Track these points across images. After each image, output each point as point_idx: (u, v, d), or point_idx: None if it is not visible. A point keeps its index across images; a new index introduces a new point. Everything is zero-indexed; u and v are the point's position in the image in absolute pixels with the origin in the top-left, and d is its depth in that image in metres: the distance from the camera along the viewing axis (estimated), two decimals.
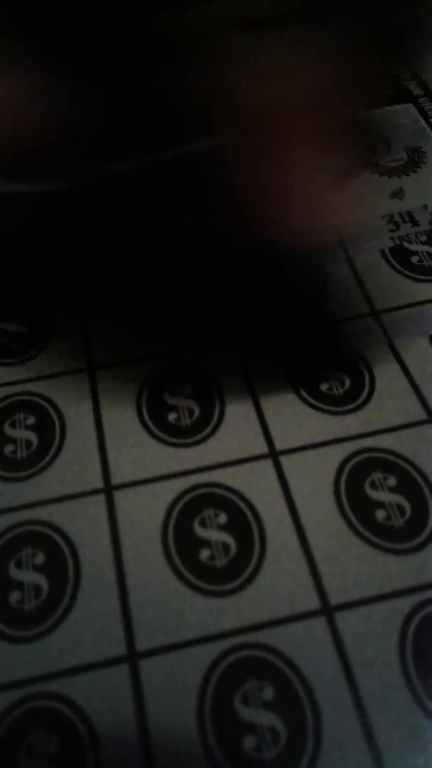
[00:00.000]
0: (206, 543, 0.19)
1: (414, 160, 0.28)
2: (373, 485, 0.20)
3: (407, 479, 0.20)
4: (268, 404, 0.21)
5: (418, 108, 0.30)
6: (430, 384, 0.22)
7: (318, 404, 0.21)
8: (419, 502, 0.20)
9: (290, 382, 0.22)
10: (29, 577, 0.19)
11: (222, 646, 0.18)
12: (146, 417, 0.22)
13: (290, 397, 0.22)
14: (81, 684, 0.17)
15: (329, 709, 0.17)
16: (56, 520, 0.20)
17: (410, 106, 0.30)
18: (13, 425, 0.21)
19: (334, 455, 0.21)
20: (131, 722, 0.17)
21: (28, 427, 0.21)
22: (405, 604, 0.18)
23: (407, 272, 0.24)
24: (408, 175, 0.27)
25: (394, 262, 0.25)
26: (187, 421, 0.21)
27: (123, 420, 0.21)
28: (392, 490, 0.20)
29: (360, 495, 0.20)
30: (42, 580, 0.19)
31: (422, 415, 0.21)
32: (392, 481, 0.20)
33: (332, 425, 0.21)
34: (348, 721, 0.17)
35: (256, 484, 0.20)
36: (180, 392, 0.22)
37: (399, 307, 0.23)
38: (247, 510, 0.20)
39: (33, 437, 0.21)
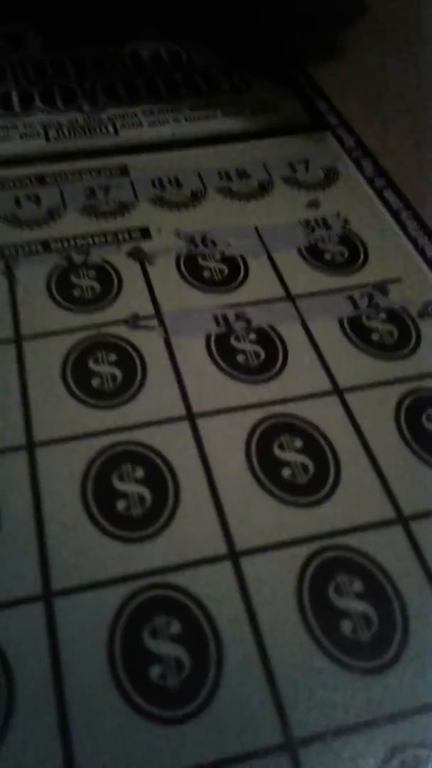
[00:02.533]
0: (124, 495, 0.20)
1: (329, 177, 0.31)
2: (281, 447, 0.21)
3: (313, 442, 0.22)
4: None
5: (334, 135, 0.33)
6: (335, 360, 0.24)
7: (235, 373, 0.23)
8: (322, 463, 0.21)
9: (210, 357, 0.24)
10: None
11: (133, 586, 0.18)
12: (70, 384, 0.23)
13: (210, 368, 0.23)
14: None
15: (231, 641, 0.18)
16: None
17: (328, 133, 0.33)
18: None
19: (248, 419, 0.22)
20: (44, 658, 0.17)
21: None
22: (303, 550, 0.19)
23: (321, 266, 0.27)
24: (323, 189, 0.30)
25: (309, 258, 0.27)
26: (110, 386, 0.23)
27: None
28: (298, 451, 0.21)
29: (269, 455, 0.21)
30: None
31: (328, 386, 0.23)
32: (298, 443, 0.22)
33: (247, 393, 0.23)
34: (248, 652, 0.17)
35: (174, 444, 0.21)
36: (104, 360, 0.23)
37: (312, 293, 0.26)
38: (163, 466, 0.21)
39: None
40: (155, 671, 0.17)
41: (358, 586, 0.19)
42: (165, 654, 0.17)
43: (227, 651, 0.17)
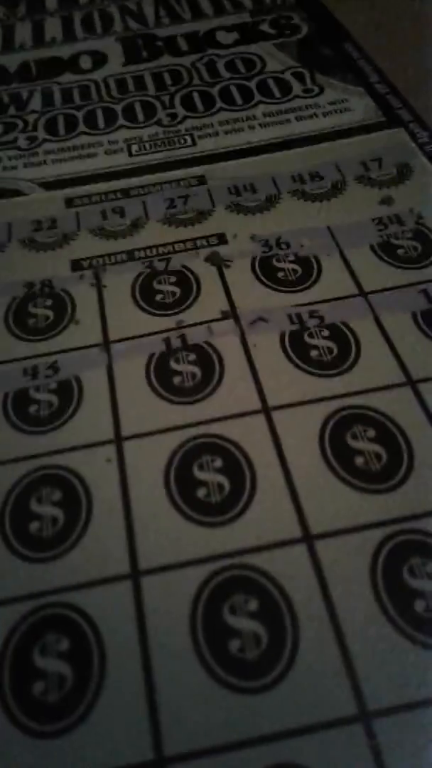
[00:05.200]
0: (204, 483, 0.22)
1: (402, 174, 0.31)
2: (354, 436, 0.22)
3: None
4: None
5: (407, 131, 0.33)
6: (408, 353, 0.24)
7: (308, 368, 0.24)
8: (395, 452, 0.22)
9: (284, 353, 0.25)
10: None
11: (213, 567, 0.20)
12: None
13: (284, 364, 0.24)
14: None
15: (306, 618, 0.19)
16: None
17: (401, 129, 0.33)
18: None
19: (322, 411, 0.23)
20: (133, 631, 0.19)
21: None
22: (377, 534, 0.20)
23: (393, 262, 0.27)
24: (397, 186, 0.31)
25: (382, 254, 0.28)
26: (190, 383, 0.24)
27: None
28: (371, 440, 0.22)
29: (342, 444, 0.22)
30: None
31: (402, 378, 0.23)
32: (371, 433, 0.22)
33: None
34: (323, 629, 0.18)
35: (251, 436, 0.23)
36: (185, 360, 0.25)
37: (385, 289, 0.26)
38: (240, 456, 0.22)
39: None
40: (234, 645, 0.18)
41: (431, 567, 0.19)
42: (244, 628, 0.19)
43: (302, 629, 0.18)
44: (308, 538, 0.20)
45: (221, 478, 0.22)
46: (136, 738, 0.17)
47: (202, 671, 0.18)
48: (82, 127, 0.37)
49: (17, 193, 0.34)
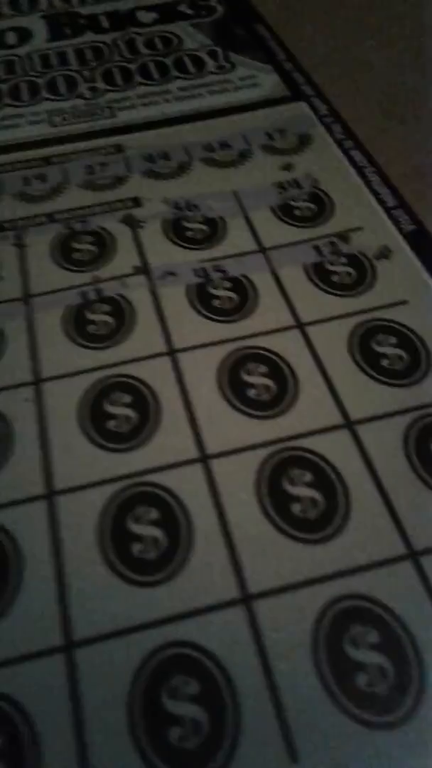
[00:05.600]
0: (114, 417, 0.24)
1: (303, 143, 0.34)
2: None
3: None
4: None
5: (309, 105, 0.36)
6: (300, 301, 0.27)
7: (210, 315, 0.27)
8: (281, 384, 0.25)
9: (190, 303, 0.27)
10: None
11: (119, 485, 0.22)
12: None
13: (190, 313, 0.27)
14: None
15: (199, 524, 0.21)
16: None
17: (303, 103, 0.36)
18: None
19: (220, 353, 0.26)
20: (47, 540, 0.21)
21: None
22: (263, 452, 0.23)
23: (290, 221, 0.30)
24: (297, 153, 0.33)
25: (281, 215, 0.30)
26: (104, 331, 0.27)
27: None
28: (262, 375, 0.25)
29: (237, 378, 0.25)
30: None
31: (292, 322, 0.26)
32: None
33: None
34: (213, 530, 0.21)
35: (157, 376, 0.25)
36: (99, 310, 0.27)
37: (282, 245, 0.29)
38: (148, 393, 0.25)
39: None
40: (136, 548, 0.21)
41: (307, 477, 0.22)
42: (145, 534, 0.21)
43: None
44: (204, 458, 0.23)
45: (129, 412, 0.24)
46: (49, 628, 0.19)
47: (107, 570, 0.20)
48: (6, 100, 0.39)
49: None
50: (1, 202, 0.32)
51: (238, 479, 0.22)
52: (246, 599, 0.20)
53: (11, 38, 0.44)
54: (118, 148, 0.35)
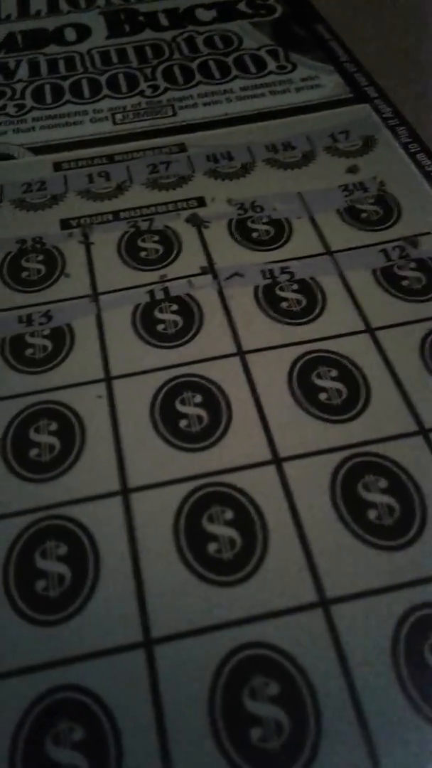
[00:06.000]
0: (185, 416, 0.24)
1: (367, 145, 0.34)
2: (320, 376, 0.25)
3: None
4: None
5: (373, 107, 0.36)
6: (368, 303, 0.27)
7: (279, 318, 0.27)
8: (354, 388, 0.25)
9: (258, 304, 0.27)
10: None
11: (194, 484, 0.22)
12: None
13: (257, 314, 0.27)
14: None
15: (274, 524, 0.21)
16: None
17: (367, 105, 0.36)
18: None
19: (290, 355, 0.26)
20: (124, 538, 0.21)
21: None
22: (336, 457, 0.23)
23: (357, 225, 0.30)
24: (362, 156, 0.33)
25: (347, 217, 0.30)
26: (172, 330, 0.27)
27: None
28: (333, 379, 0.25)
29: (308, 382, 0.25)
30: None
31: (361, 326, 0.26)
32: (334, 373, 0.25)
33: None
34: (288, 533, 0.21)
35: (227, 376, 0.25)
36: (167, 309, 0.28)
37: (349, 249, 0.29)
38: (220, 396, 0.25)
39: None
40: (212, 547, 0.21)
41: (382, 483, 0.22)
42: (221, 534, 0.21)
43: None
44: (277, 461, 0.23)
45: (201, 411, 0.24)
46: (127, 624, 0.20)
47: (184, 569, 0.21)
48: (68, 96, 0.39)
49: (8, 156, 0.35)
50: (67, 199, 0.33)
51: (312, 483, 0.22)
52: (324, 603, 0.20)
53: (70, 35, 0.44)
54: (181, 147, 0.35)
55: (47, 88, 0.40)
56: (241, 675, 0.19)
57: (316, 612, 0.20)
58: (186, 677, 0.19)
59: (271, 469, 0.23)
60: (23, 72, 0.41)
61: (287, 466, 0.23)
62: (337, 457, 0.23)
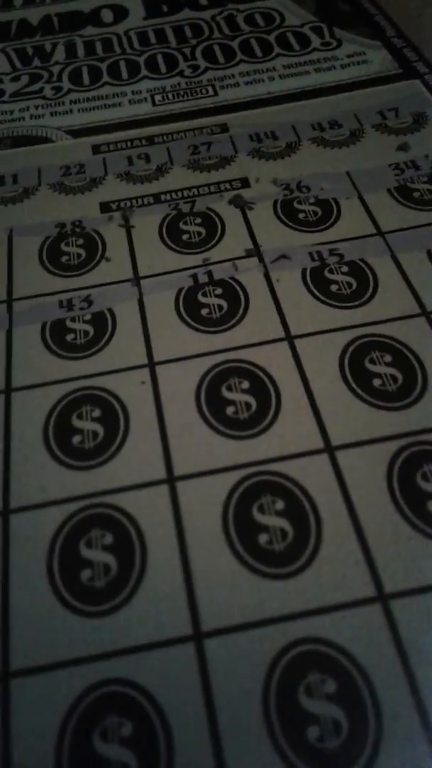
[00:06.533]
0: (232, 402, 0.23)
1: (418, 122, 0.32)
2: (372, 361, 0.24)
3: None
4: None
5: (423, 83, 0.34)
6: (423, 285, 0.26)
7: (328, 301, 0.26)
8: (410, 375, 0.23)
9: (306, 287, 0.26)
10: None
11: (243, 473, 0.22)
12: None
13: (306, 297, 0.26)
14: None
15: (328, 516, 0.20)
16: None
17: (417, 81, 0.35)
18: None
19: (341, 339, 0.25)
20: (171, 527, 0.21)
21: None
22: (392, 445, 0.22)
23: (410, 204, 0.29)
24: (413, 133, 0.32)
25: (399, 197, 0.29)
26: (217, 314, 0.26)
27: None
28: (388, 364, 0.24)
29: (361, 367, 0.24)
30: None
31: (416, 309, 0.25)
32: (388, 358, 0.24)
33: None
34: (343, 525, 0.20)
35: (275, 361, 0.24)
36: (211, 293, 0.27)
37: (402, 229, 0.28)
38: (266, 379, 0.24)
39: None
40: (263, 538, 0.20)
41: None
42: (271, 524, 0.20)
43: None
44: (329, 449, 0.22)
45: (248, 398, 0.23)
46: (176, 617, 0.19)
47: (234, 560, 0.20)
48: (106, 78, 0.38)
49: (46, 140, 0.35)
50: (106, 182, 0.32)
51: (368, 473, 0.21)
52: (382, 598, 0.19)
53: (107, 16, 0.43)
54: (223, 128, 0.34)
55: (84, 70, 0.39)
56: (296, 671, 0.18)
57: (375, 607, 0.19)
58: (238, 672, 0.18)
59: (324, 458, 0.22)
60: (60, 55, 0.40)
61: (340, 455, 0.22)
62: (393, 446, 0.22)
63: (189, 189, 0.31)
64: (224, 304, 0.26)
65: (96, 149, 0.34)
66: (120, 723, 0.18)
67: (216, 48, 0.39)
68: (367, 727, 0.17)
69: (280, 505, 0.21)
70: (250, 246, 0.28)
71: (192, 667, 0.18)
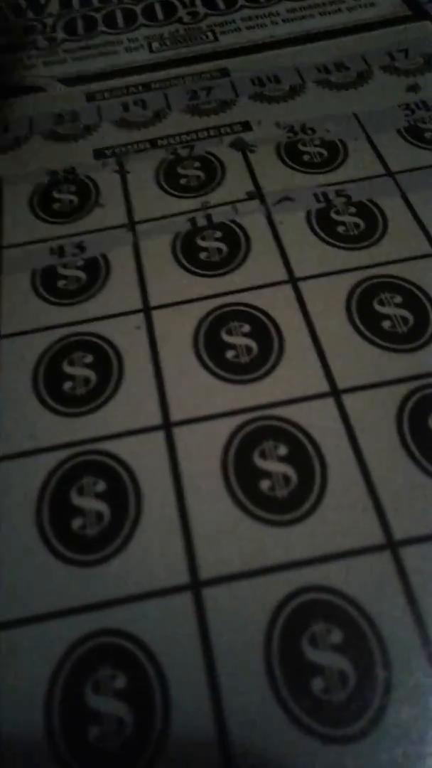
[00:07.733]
0: (232, 346, 0.22)
1: (429, 63, 0.31)
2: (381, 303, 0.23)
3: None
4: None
5: None
6: None
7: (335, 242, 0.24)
8: (422, 315, 0.22)
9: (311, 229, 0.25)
10: None
11: (244, 418, 0.20)
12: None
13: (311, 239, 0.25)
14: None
15: (334, 461, 0.19)
16: None
17: (427, 22, 0.33)
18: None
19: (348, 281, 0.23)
20: (167, 474, 0.19)
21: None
22: (401, 389, 0.20)
23: (422, 144, 0.27)
24: (423, 74, 0.30)
25: (409, 137, 0.28)
26: (216, 258, 0.24)
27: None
28: (398, 306, 0.22)
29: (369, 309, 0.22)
30: None
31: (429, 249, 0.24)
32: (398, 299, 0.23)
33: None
34: (350, 469, 0.19)
35: (276, 304, 0.23)
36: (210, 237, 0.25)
37: (412, 169, 0.26)
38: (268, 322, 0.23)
39: None
40: (265, 484, 0.19)
41: None
42: (273, 470, 0.19)
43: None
44: (336, 393, 0.21)
45: (249, 342, 0.22)
46: (172, 565, 0.18)
47: (234, 507, 0.19)
48: (101, 27, 0.36)
49: (38, 89, 0.33)
50: (101, 129, 0.30)
51: (376, 417, 0.20)
52: (392, 545, 0.18)
53: None
54: (223, 72, 0.32)
55: (79, 20, 0.37)
56: (300, 621, 0.17)
57: (384, 555, 0.18)
58: (238, 623, 0.17)
59: (329, 402, 0.20)
60: (54, 6, 0.39)
61: (347, 398, 0.20)
62: (403, 389, 0.20)
63: (187, 134, 0.29)
64: (224, 247, 0.25)
65: (90, 97, 0.32)
66: (113, 675, 0.16)
67: None
68: (376, 678, 0.16)
69: (282, 450, 0.20)
70: (252, 188, 0.27)
71: (190, 617, 0.17)
